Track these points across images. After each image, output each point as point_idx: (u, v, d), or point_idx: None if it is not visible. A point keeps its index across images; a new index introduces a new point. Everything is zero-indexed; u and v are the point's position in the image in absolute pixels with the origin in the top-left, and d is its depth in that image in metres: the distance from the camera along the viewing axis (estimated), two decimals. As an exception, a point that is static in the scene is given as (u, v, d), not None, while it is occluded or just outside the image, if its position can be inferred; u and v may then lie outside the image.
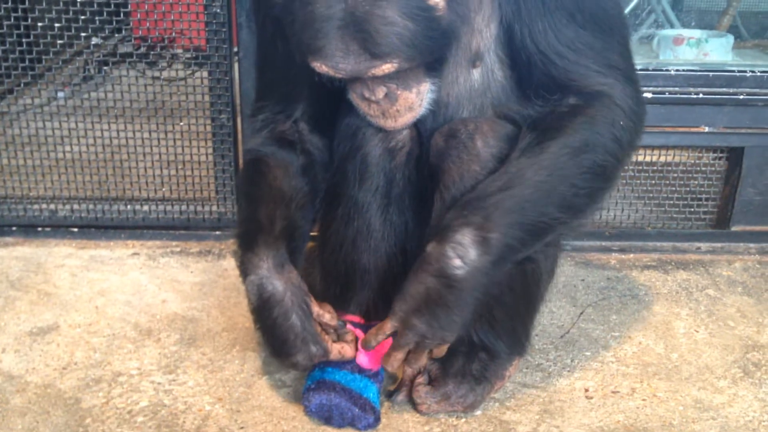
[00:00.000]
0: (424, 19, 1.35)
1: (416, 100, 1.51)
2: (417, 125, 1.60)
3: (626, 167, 2.35)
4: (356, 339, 1.57)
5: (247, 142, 1.68)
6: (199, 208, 2.40)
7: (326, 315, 1.55)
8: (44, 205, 2.39)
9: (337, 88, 1.50)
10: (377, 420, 1.57)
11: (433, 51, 1.42)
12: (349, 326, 1.60)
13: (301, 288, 1.52)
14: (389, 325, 1.45)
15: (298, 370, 1.57)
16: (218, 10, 2.20)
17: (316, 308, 1.54)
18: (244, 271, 1.51)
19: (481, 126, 1.52)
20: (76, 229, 2.39)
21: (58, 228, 2.38)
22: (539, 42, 1.47)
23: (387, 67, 1.37)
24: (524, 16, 1.46)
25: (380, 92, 1.47)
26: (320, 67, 1.39)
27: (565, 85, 1.49)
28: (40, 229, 2.38)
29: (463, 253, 1.37)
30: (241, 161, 2.33)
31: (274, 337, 1.49)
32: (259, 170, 1.61)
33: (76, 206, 2.39)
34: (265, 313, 1.49)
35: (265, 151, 1.62)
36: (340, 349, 1.54)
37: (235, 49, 2.25)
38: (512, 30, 1.49)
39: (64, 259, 2.26)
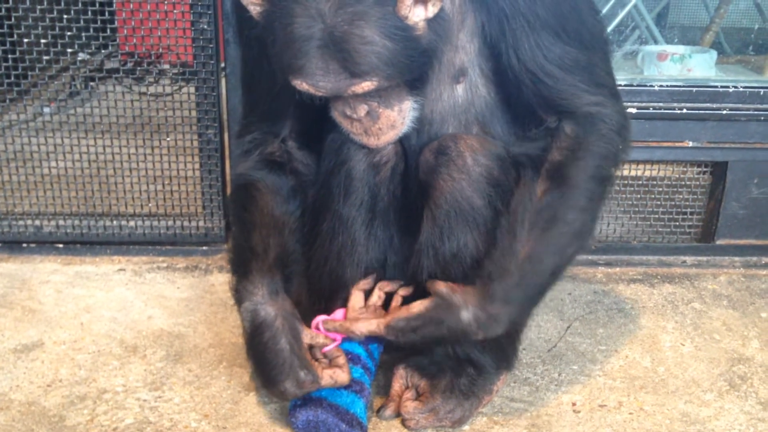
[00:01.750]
0: (402, 39, 1.36)
1: (398, 118, 1.52)
2: (402, 140, 1.61)
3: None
4: (347, 363, 1.55)
5: (237, 166, 1.68)
6: (185, 223, 2.39)
7: (320, 338, 1.55)
8: (29, 221, 2.38)
9: (320, 106, 1.51)
10: None
11: (413, 70, 1.43)
12: (332, 336, 1.59)
13: (294, 315, 1.52)
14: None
15: (288, 399, 1.53)
16: (205, 26, 2.20)
17: (309, 332, 1.54)
18: (239, 298, 1.51)
19: (472, 143, 1.53)
20: (61, 245, 2.37)
21: (43, 244, 2.37)
22: (527, 61, 1.48)
23: (366, 85, 1.38)
24: (508, 35, 1.47)
25: (362, 110, 1.48)
26: (301, 85, 1.40)
27: (556, 105, 1.51)
28: (24, 245, 2.37)
29: (490, 335, 1.47)
30: (228, 176, 2.33)
31: (263, 362, 1.48)
32: (251, 196, 1.61)
33: (61, 222, 2.38)
34: (256, 338, 1.48)
35: (255, 176, 1.63)
36: (331, 374, 1.51)
37: (222, 65, 2.25)
38: (498, 48, 1.50)
39: (49, 276, 2.24)
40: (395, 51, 1.36)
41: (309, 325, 1.56)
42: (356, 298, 1.62)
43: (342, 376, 1.52)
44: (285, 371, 1.46)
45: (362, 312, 1.60)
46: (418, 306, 1.47)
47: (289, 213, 1.62)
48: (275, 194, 1.61)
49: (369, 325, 1.51)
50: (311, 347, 1.54)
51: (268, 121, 1.66)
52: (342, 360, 1.55)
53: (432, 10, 1.39)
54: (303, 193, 1.66)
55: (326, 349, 1.55)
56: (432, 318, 1.46)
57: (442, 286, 1.48)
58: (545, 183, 1.48)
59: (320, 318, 1.58)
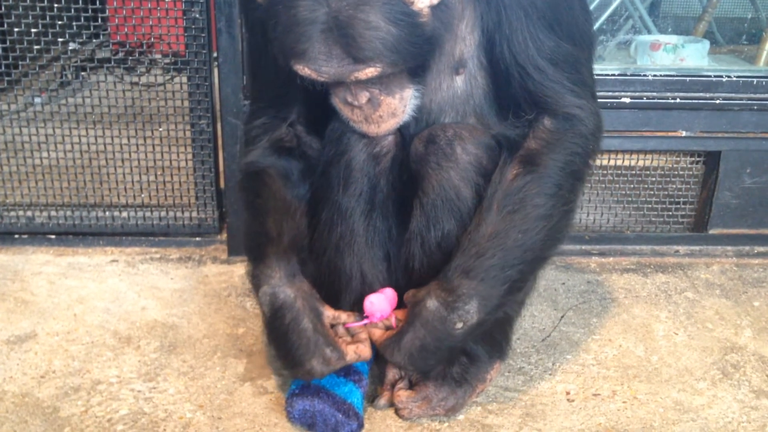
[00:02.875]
0: (407, 25, 1.35)
1: (399, 105, 1.51)
2: (401, 131, 1.60)
3: (605, 171, 2.39)
4: (368, 338, 1.55)
5: (247, 154, 1.66)
6: (178, 214, 2.38)
7: (342, 315, 1.56)
8: (21, 212, 2.37)
9: (321, 92, 1.51)
10: (361, 426, 1.56)
11: (416, 57, 1.42)
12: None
13: (313, 295, 1.53)
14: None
15: (315, 377, 1.51)
16: (197, 16, 2.19)
17: (330, 312, 1.54)
18: (257, 283, 1.51)
19: (461, 132, 1.52)
20: (53, 236, 2.36)
21: (36, 235, 2.36)
22: (518, 53, 1.48)
23: (370, 71, 1.37)
24: (504, 26, 1.47)
25: (363, 97, 1.47)
26: (303, 70, 1.38)
27: (540, 102, 1.51)
28: (17, 236, 2.36)
29: (466, 319, 1.44)
30: (221, 167, 2.32)
31: (287, 344, 1.48)
32: (262, 181, 1.61)
33: (53, 213, 2.37)
34: (277, 321, 1.49)
35: (265, 162, 1.62)
36: (355, 350, 1.51)
37: (215, 55, 2.24)
38: (493, 40, 1.51)
39: (41, 267, 2.23)
40: (400, 37, 1.35)
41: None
42: None
43: (365, 350, 1.52)
44: (311, 350, 1.46)
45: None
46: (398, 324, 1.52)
47: (300, 197, 1.62)
48: (286, 179, 1.61)
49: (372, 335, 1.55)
50: (333, 326, 1.55)
51: (275, 107, 1.65)
52: (364, 335, 1.55)
53: None
54: (312, 176, 1.66)
55: (349, 324, 1.55)
56: (407, 322, 1.48)
57: (410, 294, 1.51)
58: (517, 168, 1.48)
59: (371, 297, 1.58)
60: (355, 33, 1.31)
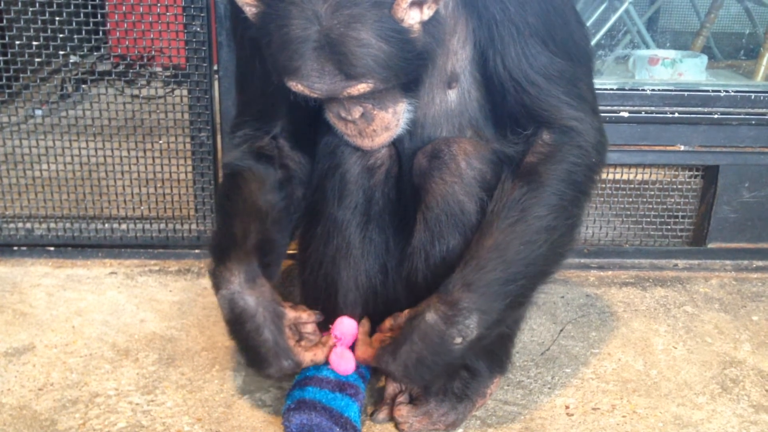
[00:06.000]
0: (398, 41, 1.36)
1: (392, 119, 1.52)
2: (395, 144, 1.61)
3: (604, 185, 2.39)
4: (331, 344, 1.57)
5: (226, 156, 1.69)
6: (178, 226, 2.38)
7: (303, 315, 1.56)
8: (20, 224, 2.37)
9: (314, 108, 1.51)
10: None
11: (408, 72, 1.43)
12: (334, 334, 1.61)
13: (273, 300, 1.52)
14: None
15: (273, 380, 1.59)
16: (198, 29, 2.20)
17: (291, 313, 1.55)
18: (217, 285, 1.52)
19: (465, 147, 1.53)
20: (52, 248, 2.36)
21: (34, 247, 2.36)
22: (512, 69, 1.48)
23: (362, 87, 1.38)
24: (497, 42, 1.47)
25: (356, 112, 1.48)
26: (296, 86, 1.40)
27: (537, 116, 1.51)
28: (15, 248, 2.36)
29: (466, 334, 1.42)
30: (221, 180, 2.33)
31: (248, 349, 1.52)
32: (236, 184, 1.61)
33: (52, 225, 2.37)
34: (237, 326, 1.50)
35: (242, 165, 1.63)
36: (312, 357, 1.55)
37: (215, 68, 2.25)
38: (486, 55, 1.51)
39: (40, 279, 2.23)
40: (391, 53, 1.36)
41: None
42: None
43: (321, 356, 1.56)
44: (269, 360, 1.50)
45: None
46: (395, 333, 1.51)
47: (273, 203, 1.61)
48: (261, 183, 1.61)
49: (363, 353, 1.55)
50: (295, 325, 1.57)
51: (259, 121, 1.66)
52: (325, 339, 1.58)
53: (428, 13, 1.39)
54: (290, 187, 1.66)
55: (305, 329, 1.58)
56: (403, 334, 1.46)
57: (409, 311, 1.50)
58: (517, 182, 1.48)
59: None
60: (347, 50, 1.33)
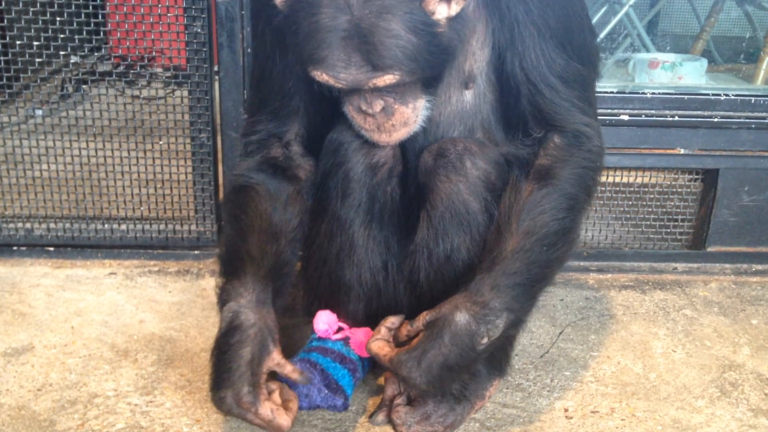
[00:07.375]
0: (426, 35, 1.37)
1: (412, 115, 1.53)
2: (402, 142, 1.61)
3: (604, 188, 2.40)
4: (296, 411, 1.49)
5: (238, 165, 1.65)
6: (177, 227, 2.38)
7: (287, 366, 1.47)
8: (20, 224, 2.37)
9: (331, 105, 1.51)
10: (345, 406, 1.59)
11: (432, 66, 1.44)
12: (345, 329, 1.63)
13: (270, 333, 1.45)
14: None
15: (221, 410, 1.42)
16: (199, 30, 2.20)
17: (278, 357, 1.46)
18: (225, 298, 1.47)
19: (471, 147, 1.54)
20: (52, 249, 2.36)
21: (34, 247, 2.36)
22: (530, 71, 1.50)
23: (388, 78, 1.39)
24: (517, 43, 1.50)
25: (378, 105, 1.48)
26: (321, 76, 1.40)
27: (550, 119, 1.54)
28: (15, 248, 2.35)
29: (493, 333, 1.42)
30: (221, 180, 2.33)
31: (219, 362, 1.42)
32: (249, 197, 1.58)
33: (52, 225, 2.37)
34: (225, 338, 1.43)
35: (255, 178, 1.60)
36: (272, 410, 1.40)
37: (216, 69, 2.25)
38: (504, 57, 1.53)
39: (39, 279, 2.23)
40: (418, 46, 1.37)
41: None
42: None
43: (282, 420, 1.40)
44: (231, 380, 1.39)
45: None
46: (416, 338, 1.45)
47: (287, 221, 1.59)
48: (274, 200, 1.59)
49: (379, 350, 1.49)
50: (274, 373, 1.48)
51: (275, 121, 1.64)
52: (293, 405, 1.48)
53: (455, 9, 1.41)
54: (302, 200, 1.65)
55: (282, 378, 1.49)
56: (430, 337, 1.41)
57: (426, 314, 1.46)
58: (532, 184, 1.50)
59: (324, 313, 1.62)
60: (376, 40, 1.33)
